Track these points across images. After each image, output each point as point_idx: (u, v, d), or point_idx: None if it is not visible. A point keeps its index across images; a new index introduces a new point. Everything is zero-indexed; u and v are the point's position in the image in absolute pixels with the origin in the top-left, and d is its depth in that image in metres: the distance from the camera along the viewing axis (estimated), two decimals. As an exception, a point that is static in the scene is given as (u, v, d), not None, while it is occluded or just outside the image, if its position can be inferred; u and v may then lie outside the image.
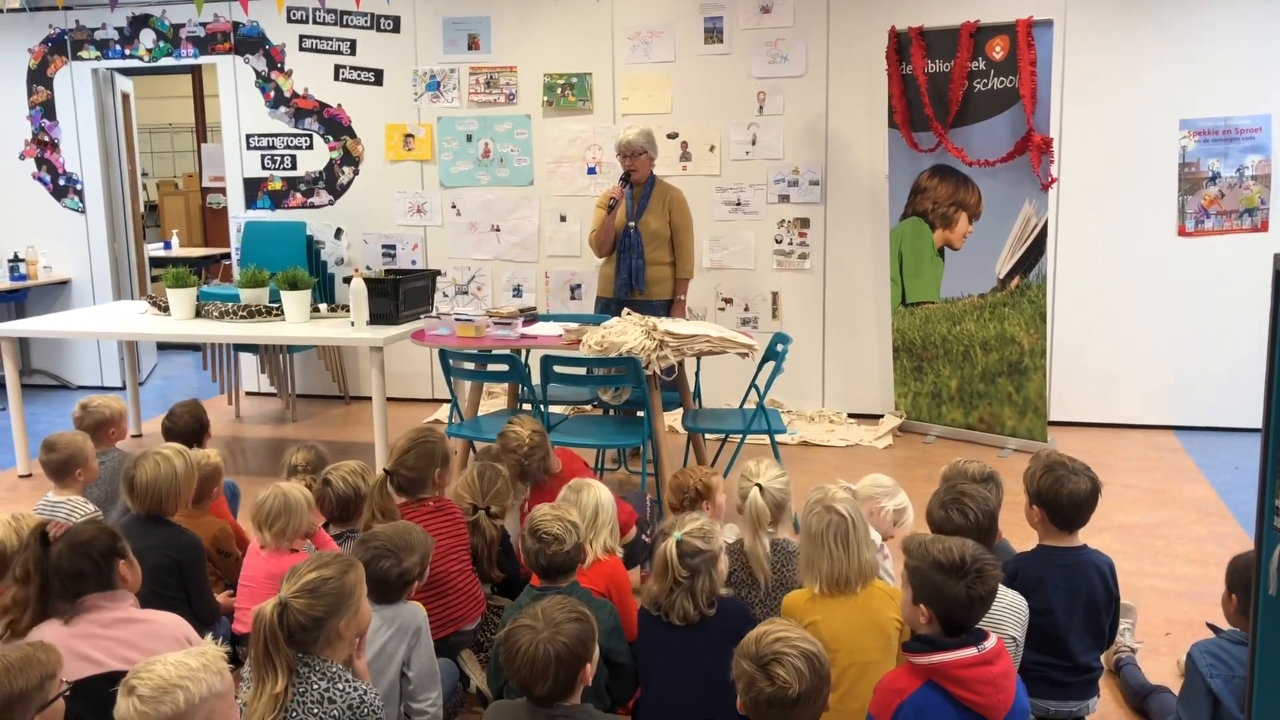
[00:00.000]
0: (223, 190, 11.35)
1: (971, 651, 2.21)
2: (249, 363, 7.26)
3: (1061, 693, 2.90)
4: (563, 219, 6.81)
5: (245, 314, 5.56)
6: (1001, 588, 2.75)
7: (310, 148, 7.16)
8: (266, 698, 2.23)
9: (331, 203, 7.18)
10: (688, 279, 5.65)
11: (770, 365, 4.72)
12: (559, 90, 6.71)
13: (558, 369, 4.42)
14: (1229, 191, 5.86)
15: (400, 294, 5.32)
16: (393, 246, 7.13)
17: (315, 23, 7.01)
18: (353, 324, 5.26)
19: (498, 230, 6.95)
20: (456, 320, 4.97)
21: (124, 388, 7.20)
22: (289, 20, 7.02)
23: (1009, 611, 2.75)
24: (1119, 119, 5.89)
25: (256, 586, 3.25)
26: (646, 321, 4.55)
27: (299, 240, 6.93)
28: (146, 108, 10.36)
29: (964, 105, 5.63)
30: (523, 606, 2.68)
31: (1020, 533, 3.22)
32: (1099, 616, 2.93)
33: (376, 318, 5.29)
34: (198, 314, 5.67)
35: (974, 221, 5.76)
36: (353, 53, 7.00)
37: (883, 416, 6.32)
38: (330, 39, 7.01)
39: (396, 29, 6.90)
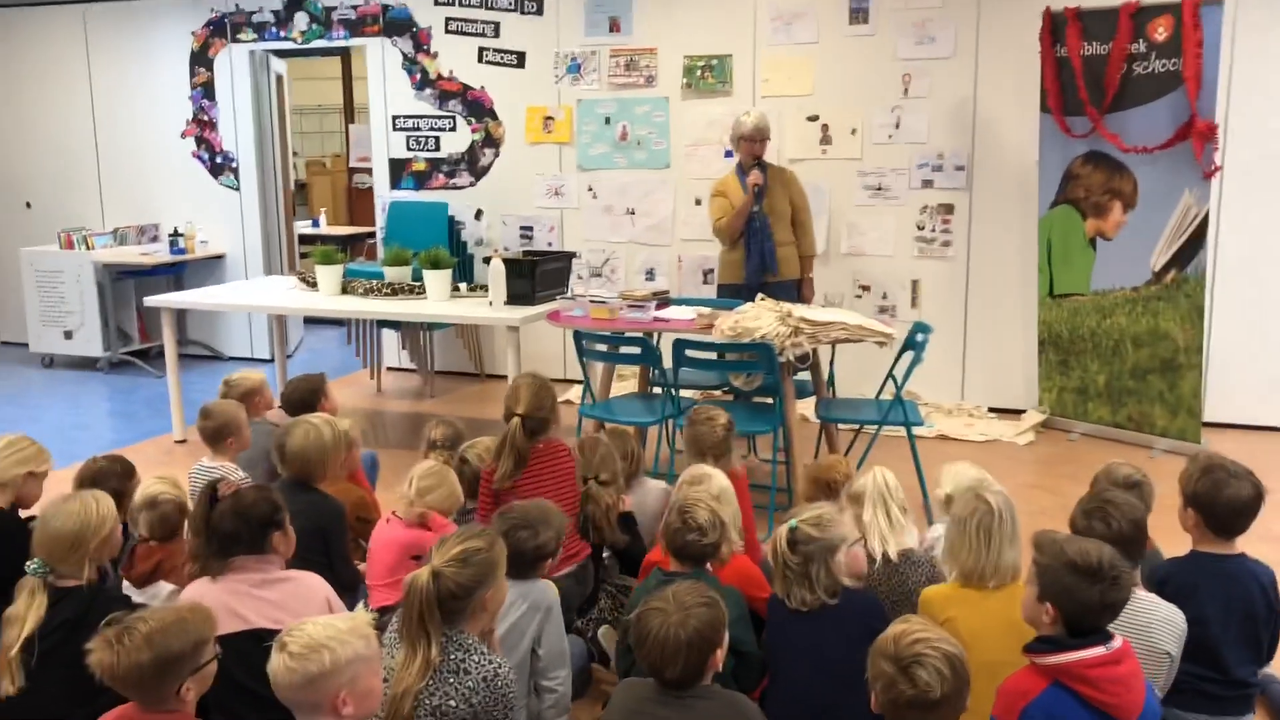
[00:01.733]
0: (369, 170, 11.70)
1: (1100, 650, 2.12)
2: (390, 339, 7.46)
3: (1214, 706, 2.75)
4: (698, 202, 6.78)
5: (389, 291, 5.70)
6: (1157, 600, 2.64)
7: (453, 129, 7.30)
8: (419, 665, 2.29)
9: (473, 184, 7.31)
10: (813, 256, 5.71)
11: (909, 355, 4.61)
12: (698, 72, 6.67)
13: (690, 353, 4.41)
14: None
15: (537, 275, 5.38)
16: (530, 228, 7.22)
17: (461, 4, 7.13)
18: (490, 303, 5.35)
19: (633, 213, 6.97)
20: (591, 302, 5.00)
21: (272, 360, 7.48)
22: (436, 3, 7.16)
23: (1165, 625, 2.62)
24: (1291, 104, 5.56)
25: (385, 554, 3.34)
26: (781, 307, 4.50)
27: (441, 220, 7.08)
28: (298, 89, 10.69)
29: (1121, 89, 5.39)
30: (650, 590, 2.69)
31: (1172, 538, 3.06)
32: (1257, 629, 2.77)
33: (514, 298, 5.36)
34: (343, 290, 5.84)
35: (1129, 211, 5.52)
36: (496, 35, 7.10)
37: (1025, 412, 6.11)
38: (475, 21, 7.12)
39: (540, 11, 6.97)
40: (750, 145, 5.48)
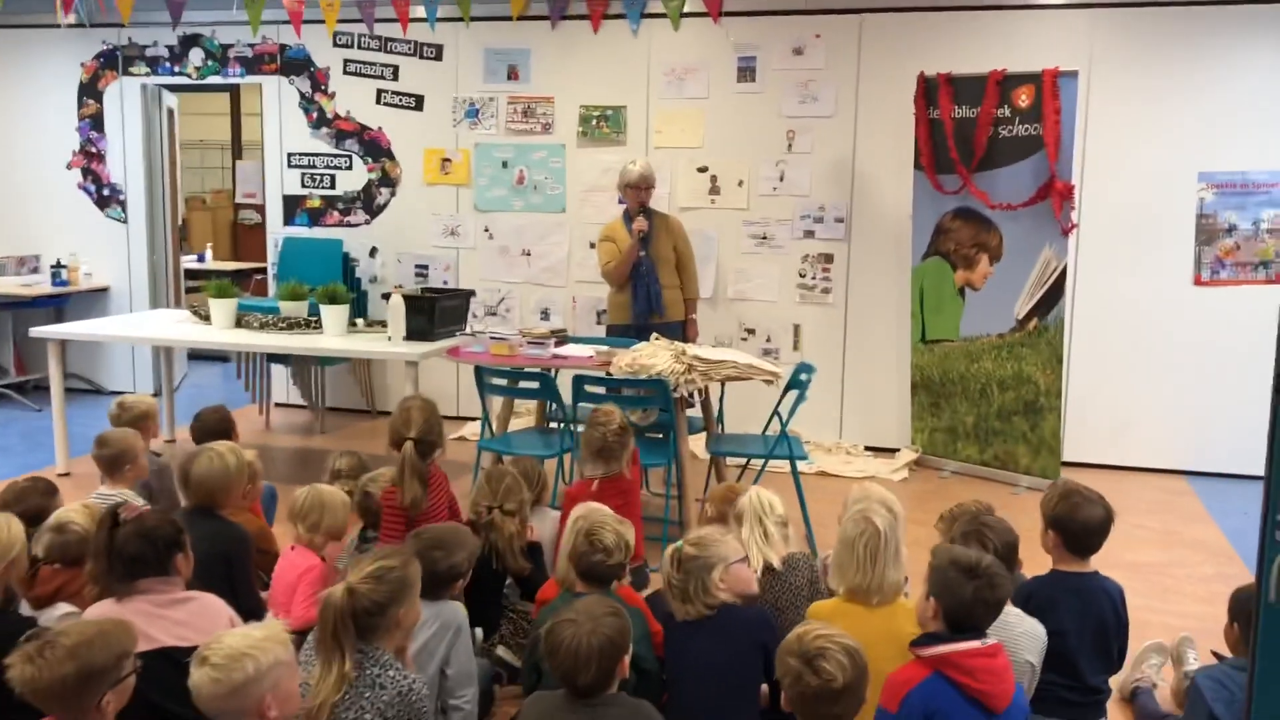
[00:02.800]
0: (256, 207, 11.62)
1: (976, 644, 2.37)
2: (280, 374, 7.43)
3: (1072, 712, 3.02)
4: (592, 246, 6.96)
5: (285, 325, 5.73)
6: (1021, 614, 2.89)
7: (349, 168, 7.37)
8: (334, 678, 2.37)
9: (368, 222, 7.38)
10: (696, 299, 5.96)
11: (793, 394, 4.86)
12: (594, 122, 6.91)
13: (588, 388, 4.58)
14: (1244, 244, 6.01)
15: (436, 311, 5.49)
16: (425, 266, 7.31)
17: (360, 47, 7.23)
18: (390, 339, 5.43)
19: (528, 255, 7.13)
20: (491, 339, 5.14)
21: (158, 394, 7.37)
22: (335, 45, 7.25)
23: (1027, 639, 2.86)
24: (1139, 169, 6.05)
25: (279, 583, 3.40)
26: (675, 346, 4.71)
27: (336, 257, 7.13)
28: (181, 124, 10.59)
29: (989, 150, 5.81)
30: (558, 609, 2.84)
31: (1034, 567, 3.34)
32: (1108, 640, 3.05)
33: (413, 333, 5.45)
34: (238, 324, 5.85)
35: (995, 263, 5.92)
36: (395, 78, 7.22)
37: (899, 450, 6.45)
38: (374, 64, 7.24)
39: (439, 57, 7.13)
40: (636, 192, 5.71)
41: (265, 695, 2.11)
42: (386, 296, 5.58)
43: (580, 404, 4.62)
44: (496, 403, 5.30)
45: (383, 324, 5.77)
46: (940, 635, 2.41)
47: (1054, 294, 5.70)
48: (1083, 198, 6.01)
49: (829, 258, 6.63)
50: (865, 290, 6.58)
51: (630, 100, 6.84)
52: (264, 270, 9.90)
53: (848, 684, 2.18)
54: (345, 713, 2.43)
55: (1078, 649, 3.01)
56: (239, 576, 3.42)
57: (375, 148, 7.31)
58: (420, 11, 6.65)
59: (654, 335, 5.01)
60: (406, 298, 5.49)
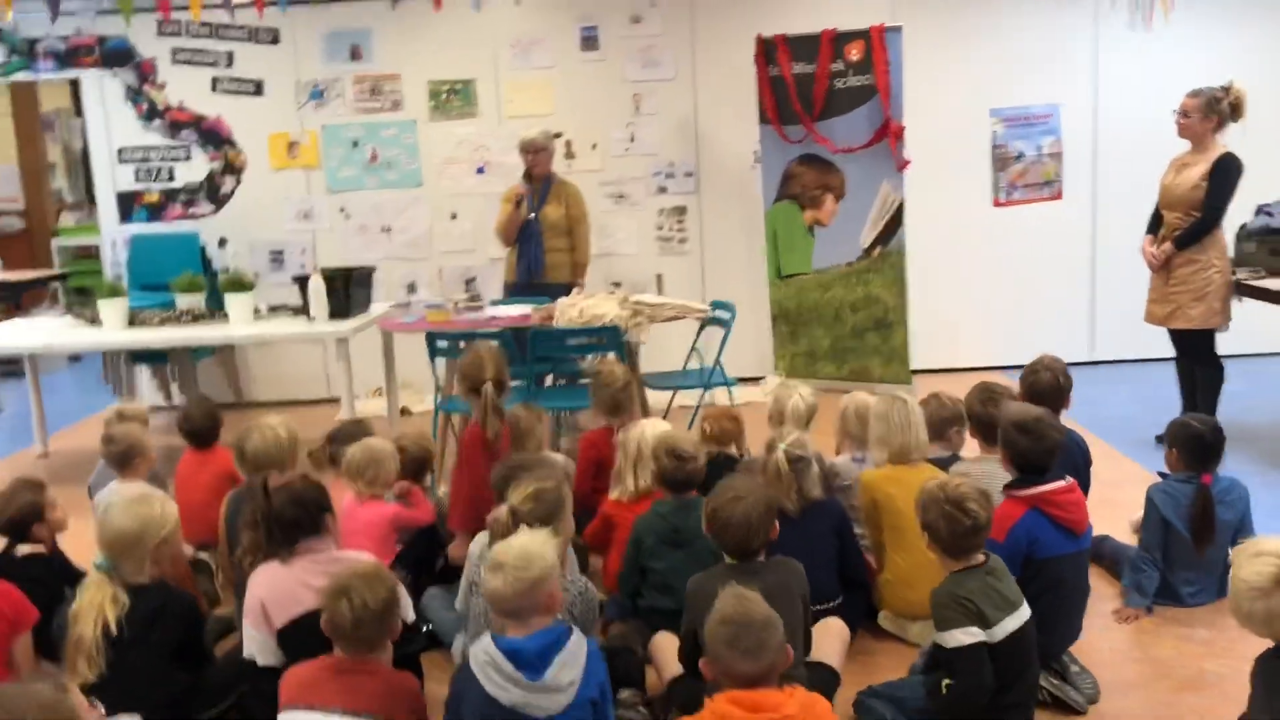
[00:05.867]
0: (18, 213, 10.87)
1: (1061, 483, 3.03)
2: (142, 374, 7.22)
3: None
4: (454, 216, 7.24)
5: (191, 318, 5.69)
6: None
7: (188, 159, 7.22)
8: None
9: (214, 212, 7.27)
10: (585, 264, 6.31)
11: (709, 330, 5.42)
12: (444, 96, 7.14)
13: (543, 343, 4.94)
14: (1031, 168, 7.09)
15: (351, 290, 5.63)
16: (280, 252, 7.30)
17: (189, 35, 7.08)
18: (312, 318, 5.53)
19: (388, 231, 7.28)
20: (427, 308, 5.37)
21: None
22: (160, 34, 7.06)
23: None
24: (942, 109, 6.96)
25: (360, 535, 3.62)
26: (617, 294, 5.15)
27: (193, 251, 6.98)
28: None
29: (827, 101, 6.55)
30: (664, 515, 3.28)
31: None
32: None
33: (331, 313, 5.56)
34: (132, 323, 5.73)
35: (839, 201, 6.70)
36: (230, 64, 7.13)
37: (764, 378, 7.15)
38: (206, 51, 7.11)
39: (275, 40, 7.10)
40: (524, 157, 6.06)
41: (552, 588, 2.44)
42: (299, 280, 5.65)
43: (538, 356, 4.97)
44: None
45: (280, 308, 5.86)
46: (1025, 479, 3.05)
47: (894, 223, 6.54)
48: (910, 138, 6.84)
49: (682, 210, 7.21)
50: (718, 237, 7.22)
51: (479, 73, 7.12)
52: (47, 281, 9.41)
53: (988, 518, 2.76)
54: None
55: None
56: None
57: (215, 136, 7.20)
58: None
59: (575, 290, 5.41)
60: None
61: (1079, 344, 7.13)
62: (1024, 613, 2.75)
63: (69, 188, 11.49)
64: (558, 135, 7.10)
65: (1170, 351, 5.40)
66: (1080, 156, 7.08)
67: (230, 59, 7.13)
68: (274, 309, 5.94)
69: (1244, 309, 5.23)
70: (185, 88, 7.14)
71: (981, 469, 3.47)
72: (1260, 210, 5.51)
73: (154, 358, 6.87)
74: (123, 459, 3.97)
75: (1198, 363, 5.20)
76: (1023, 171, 7.10)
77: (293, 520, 2.96)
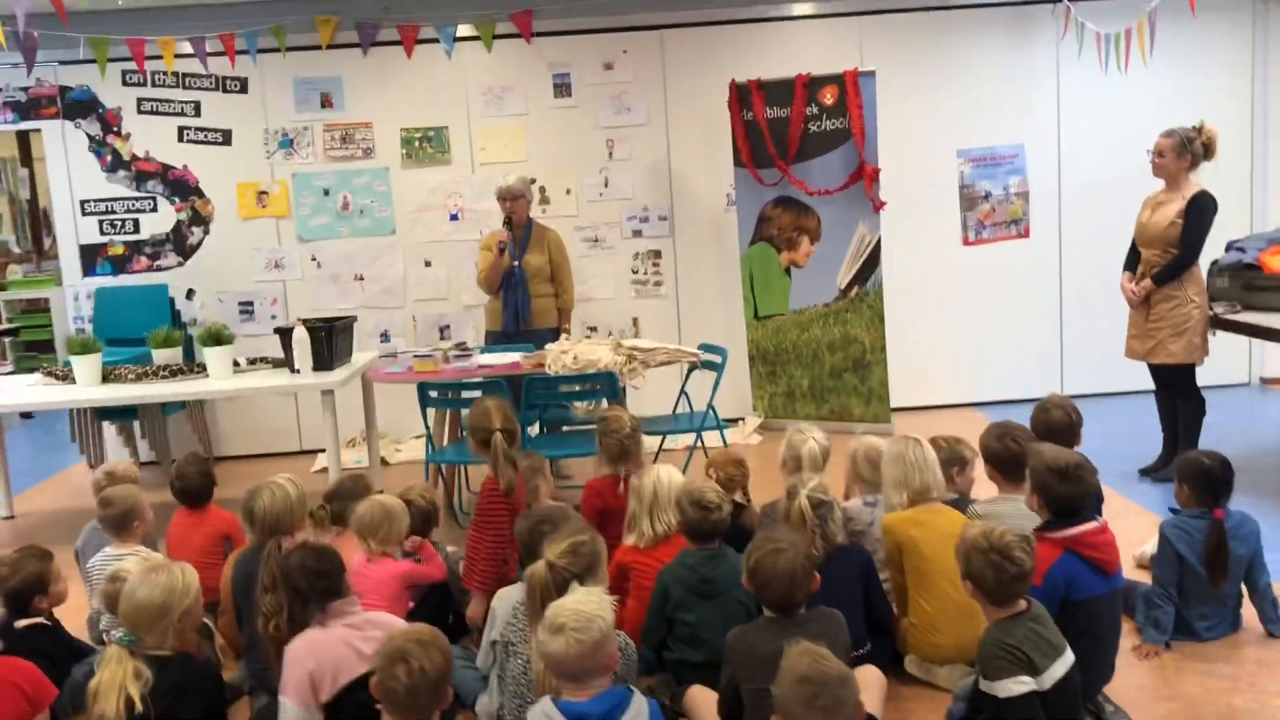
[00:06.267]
0: (-36, 265, 10.58)
1: (1094, 525, 3.05)
2: (110, 431, 7.02)
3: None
4: (427, 264, 7.19)
5: (168, 373, 5.56)
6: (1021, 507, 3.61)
7: (154, 210, 7.09)
8: None
9: (181, 263, 7.14)
10: (570, 309, 6.31)
11: (699, 375, 5.43)
12: (417, 143, 7.10)
13: (539, 390, 4.91)
14: (999, 207, 7.23)
15: (334, 340, 5.55)
16: (250, 303, 7.19)
17: (155, 84, 6.98)
18: (297, 371, 5.43)
19: (361, 279, 7.20)
20: (415, 358, 5.30)
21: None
22: (125, 84, 6.96)
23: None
24: (910, 152, 7.07)
25: (372, 595, 3.55)
26: (610, 339, 5.13)
27: (162, 303, 6.84)
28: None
29: (802, 144, 6.63)
30: (692, 566, 3.25)
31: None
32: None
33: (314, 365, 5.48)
34: (106, 379, 5.59)
35: (815, 242, 6.76)
36: (198, 114, 7.04)
37: (744, 419, 7.16)
38: (172, 101, 7.01)
39: (244, 90, 7.03)
40: (503, 204, 6.05)
41: (611, 649, 2.40)
42: (280, 331, 5.55)
43: (532, 403, 4.93)
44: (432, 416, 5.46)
45: (259, 361, 5.76)
46: (1058, 521, 3.08)
47: (871, 263, 6.62)
48: (885, 179, 6.94)
49: (658, 253, 7.23)
50: (693, 280, 7.25)
51: (451, 120, 7.10)
52: None
53: (1034, 565, 2.77)
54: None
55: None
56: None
57: (182, 187, 7.08)
58: (215, 46, 6.47)
59: (562, 335, 5.39)
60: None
61: (1049, 378, 7.23)
62: (1069, 658, 2.76)
63: (16, 239, 11.26)
64: (532, 181, 7.11)
65: (1139, 384, 5.52)
66: (1046, 195, 7.23)
67: (198, 108, 7.04)
68: (253, 361, 5.82)
69: (1212, 342, 5.36)
70: (151, 138, 7.03)
71: (1003, 509, 3.50)
72: (1231, 246, 5.66)
73: (122, 414, 6.67)
74: (120, 522, 3.86)
75: (1179, 396, 5.31)
76: (990, 211, 7.23)
77: (321, 581, 2.88)
